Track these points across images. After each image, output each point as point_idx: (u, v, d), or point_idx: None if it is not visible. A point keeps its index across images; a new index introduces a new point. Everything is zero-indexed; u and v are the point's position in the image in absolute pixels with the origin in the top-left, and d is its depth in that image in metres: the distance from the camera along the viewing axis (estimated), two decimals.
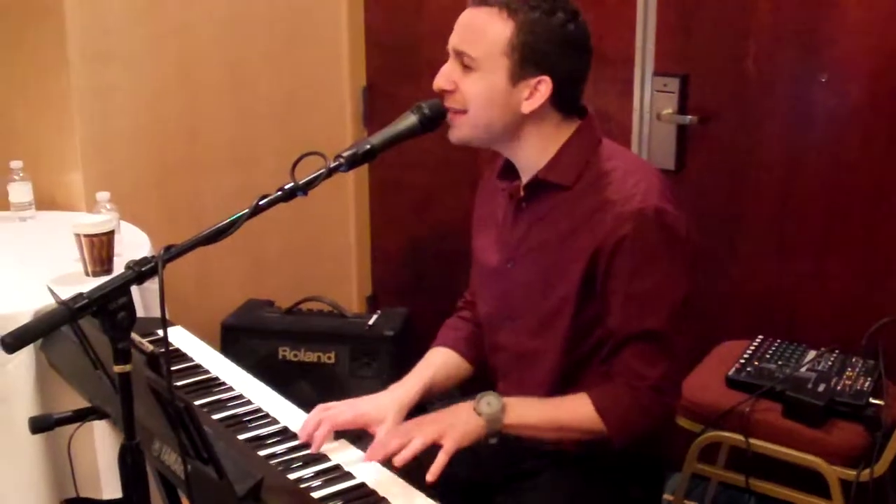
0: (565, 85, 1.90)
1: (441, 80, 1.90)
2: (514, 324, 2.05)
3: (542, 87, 1.87)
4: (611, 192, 1.88)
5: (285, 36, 3.67)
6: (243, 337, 3.41)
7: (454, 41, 1.89)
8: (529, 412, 1.89)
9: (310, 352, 3.36)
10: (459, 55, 1.88)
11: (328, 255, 4.00)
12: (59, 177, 3.19)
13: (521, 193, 2.01)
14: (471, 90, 1.87)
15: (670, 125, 3.11)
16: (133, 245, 2.80)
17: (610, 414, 1.88)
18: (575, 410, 1.90)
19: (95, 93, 3.13)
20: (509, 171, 2.05)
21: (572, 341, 1.95)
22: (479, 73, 1.86)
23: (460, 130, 1.92)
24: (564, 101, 1.93)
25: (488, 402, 1.86)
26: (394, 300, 3.96)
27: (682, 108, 3.08)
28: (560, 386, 1.98)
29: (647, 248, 1.85)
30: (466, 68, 1.87)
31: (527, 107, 1.88)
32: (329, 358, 3.35)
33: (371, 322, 3.38)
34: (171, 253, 1.49)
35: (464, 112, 1.89)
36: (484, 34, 1.85)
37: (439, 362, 2.17)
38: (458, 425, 1.82)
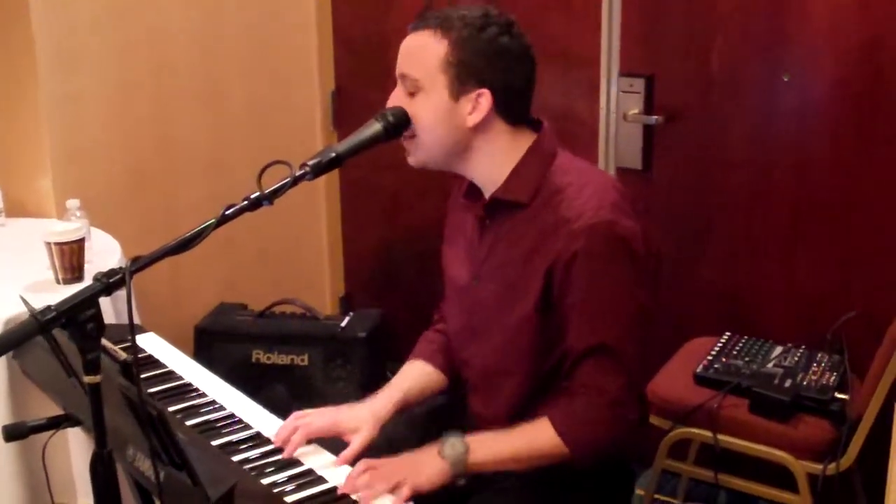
0: (506, 95, 1.94)
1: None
2: (480, 340, 2.08)
3: (483, 100, 1.92)
4: (564, 208, 1.91)
5: (255, 41, 3.67)
6: (216, 340, 3.42)
7: (398, 66, 1.96)
8: (493, 450, 1.90)
9: (283, 354, 3.38)
10: (403, 79, 1.94)
11: (300, 258, 4.01)
12: (30, 184, 3.18)
13: (482, 212, 2.04)
14: (417, 112, 1.93)
15: (637, 125, 3.14)
16: (104, 252, 2.80)
17: (571, 435, 1.88)
18: (539, 439, 1.90)
19: (65, 99, 3.13)
20: (474, 190, 2.08)
21: (536, 359, 1.97)
22: (423, 93, 1.92)
23: (415, 155, 1.99)
24: (510, 112, 1.96)
25: (451, 444, 1.86)
26: (366, 301, 3.98)
27: (648, 109, 3.11)
28: (528, 400, 2.00)
29: (600, 262, 1.87)
30: (411, 94, 1.93)
31: (471, 120, 1.93)
32: (302, 360, 3.36)
33: (344, 324, 3.40)
34: (138, 264, 1.50)
35: (414, 136, 1.95)
36: (422, 55, 1.92)
37: (415, 374, 2.19)
38: (421, 470, 1.84)
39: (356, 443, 1.94)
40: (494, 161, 1.98)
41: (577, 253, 1.86)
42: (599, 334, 1.88)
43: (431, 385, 2.20)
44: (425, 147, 1.96)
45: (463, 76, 1.90)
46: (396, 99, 1.95)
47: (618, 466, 2.11)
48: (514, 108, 1.96)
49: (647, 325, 1.95)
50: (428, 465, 1.85)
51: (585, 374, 1.90)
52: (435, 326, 2.31)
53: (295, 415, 2.00)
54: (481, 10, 1.94)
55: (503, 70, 1.92)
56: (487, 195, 2.02)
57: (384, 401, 2.07)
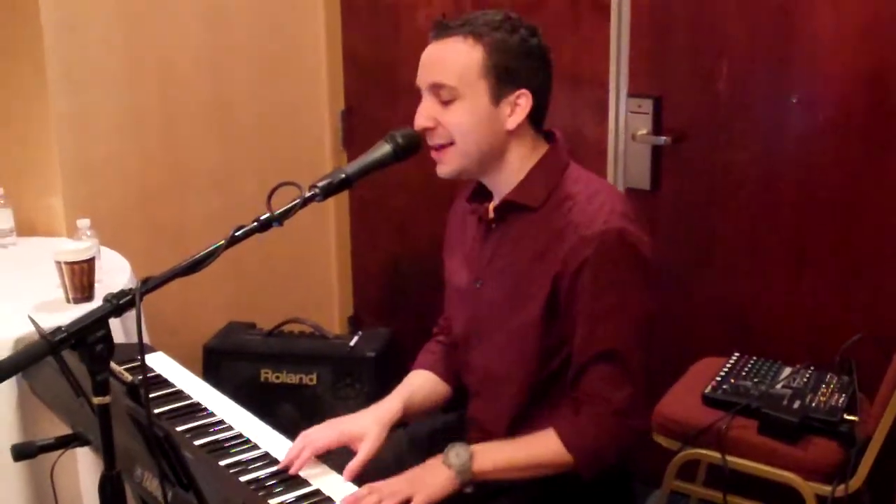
0: (540, 96, 1.96)
1: (421, 120, 1.95)
2: (483, 343, 2.09)
3: (523, 101, 1.94)
4: (574, 214, 1.92)
5: (265, 59, 3.69)
6: (225, 359, 3.42)
7: (426, 77, 1.95)
8: (498, 457, 1.91)
9: (292, 374, 3.37)
10: (436, 89, 1.93)
11: (309, 277, 4.02)
12: (40, 203, 3.20)
13: (491, 215, 2.05)
14: (454, 120, 1.92)
15: (645, 145, 3.14)
16: (114, 271, 2.81)
17: (578, 447, 1.89)
18: (543, 449, 1.91)
19: (75, 118, 3.14)
20: (479, 193, 2.10)
21: (540, 362, 1.98)
22: (461, 100, 1.92)
23: (450, 163, 1.98)
24: (537, 115, 1.99)
25: (456, 453, 1.87)
26: (375, 320, 3.98)
27: (657, 129, 3.12)
28: (528, 406, 2.01)
29: (609, 268, 1.88)
30: (446, 102, 1.92)
31: (511, 122, 1.94)
32: (311, 380, 3.36)
33: (352, 343, 3.39)
34: (149, 285, 1.50)
35: (450, 144, 1.94)
36: (457, 62, 1.91)
37: (418, 383, 2.20)
38: (428, 481, 1.85)
39: (363, 451, 1.94)
40: (518, 165, 1.99)
41: (587, 259, 1.87)
42: (609, 340, 1.89)
43: (434, 393, 2.22)
44: (464, 154, 1.95)
45: (504, 79, 1.91)
46: (428, 110, 1.95)
47: (619, 476, 2.11)
48: (541, 112, 1.99)
49: (652, 334, 1.95)
50: (434, 475, 1.86)
51: (591, 382, 1.91)
52: (436, 338, 2.33)
53: (302, 435, 2.00)
54: (501, 14, 1.95)
55: (537, 70, 1.96)
56: (499, 198, 2.03)
57: (389, 406, 2.08)
